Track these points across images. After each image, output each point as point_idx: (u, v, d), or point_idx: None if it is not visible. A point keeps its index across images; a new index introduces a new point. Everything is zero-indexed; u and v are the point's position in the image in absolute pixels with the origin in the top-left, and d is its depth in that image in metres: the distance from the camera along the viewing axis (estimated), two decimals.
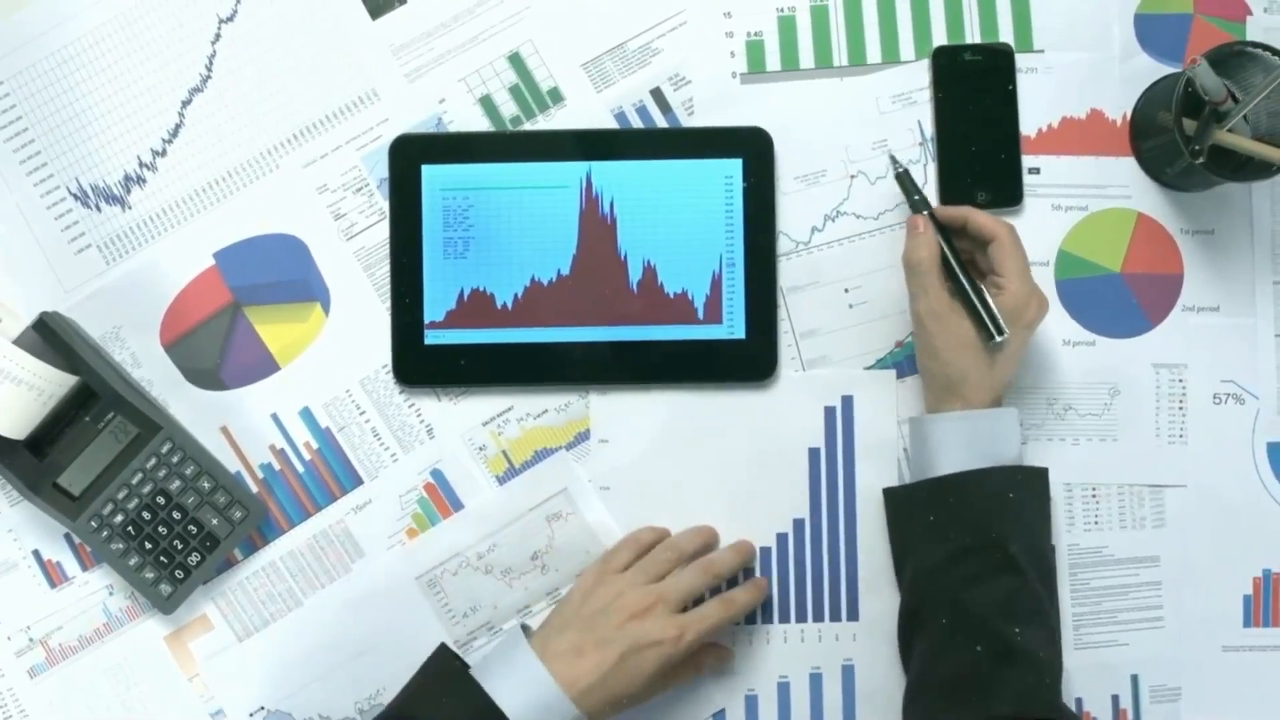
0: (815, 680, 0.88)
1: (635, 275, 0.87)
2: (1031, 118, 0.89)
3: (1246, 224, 0.89)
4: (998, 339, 0.80)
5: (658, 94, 0.88)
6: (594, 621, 0.80)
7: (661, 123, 0.88)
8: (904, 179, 0.85)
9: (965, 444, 0.81)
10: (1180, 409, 0.89)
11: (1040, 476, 0.83)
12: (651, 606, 0.80)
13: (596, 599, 0.82)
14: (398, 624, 0.88)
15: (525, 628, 0.84)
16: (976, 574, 0.79)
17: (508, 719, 0.76)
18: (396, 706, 0.80)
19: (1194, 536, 0.88)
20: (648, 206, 0.87)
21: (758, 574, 0.88)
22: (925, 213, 0.84)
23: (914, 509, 0.84)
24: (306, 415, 0.88)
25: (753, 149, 0.87)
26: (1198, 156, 0.81)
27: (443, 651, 0.83)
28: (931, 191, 0.88)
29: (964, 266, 0.82)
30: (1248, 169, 0.84)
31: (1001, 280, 0.82)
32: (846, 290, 0.89)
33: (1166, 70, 0.89)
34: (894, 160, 0.86)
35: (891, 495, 0.86)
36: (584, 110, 0.88)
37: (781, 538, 0.88)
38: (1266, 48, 0.81)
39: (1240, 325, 0.89)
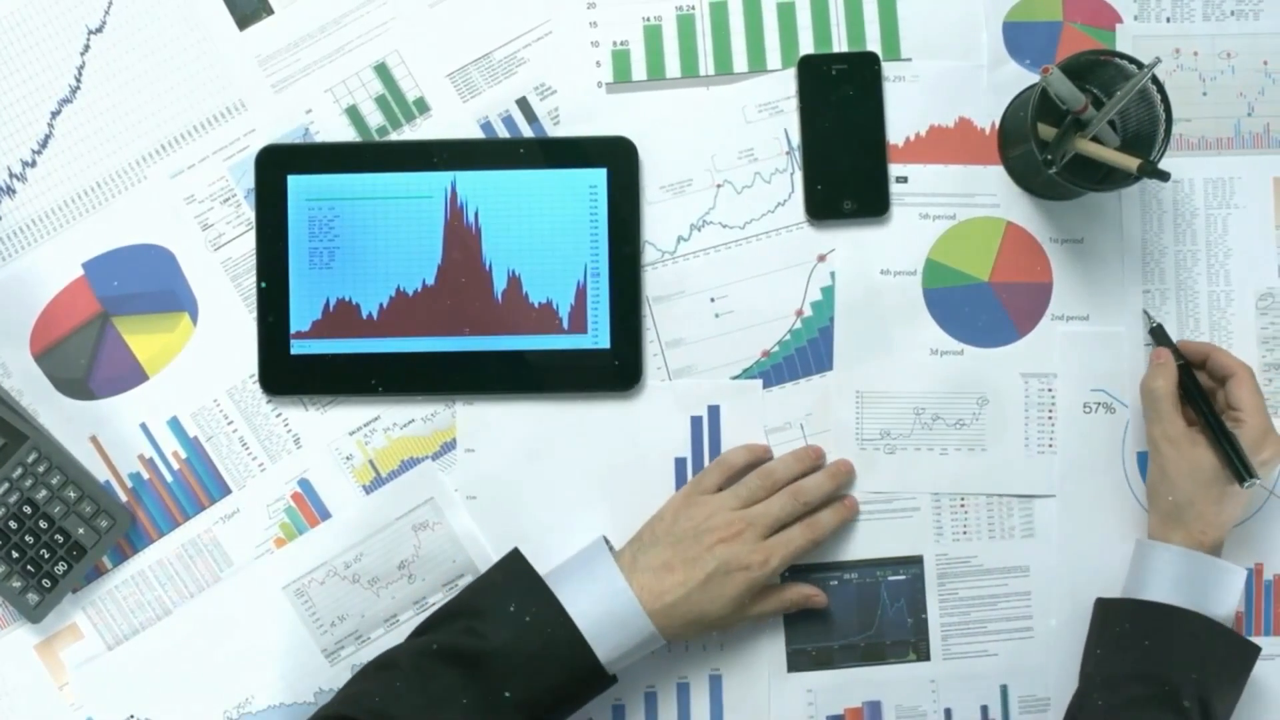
0: (683, 689, 0.88)
1: (500, 285, 0.87)
2: (899, 126, 0.88)
3: (1116, 232, 0.89)
4: (1248, 483, 0.81)
5: (524, 104, 0.88)
6: (684, 540, 0.82)
7: (528, 132, 0.88)
8: (1157, 332, 0.87)
9: (1182, 581, 0.81)
10: (1049, 418, 0.89)
11: (1245, 651, 0.82)
12: (741, 531, 0.81)
13: (687, 518, 0.83)
14: (266, 633, 0.88)
15: (606, 541, 0.84)
16: (1141, 703, 0.79)
17: (575, 624, 0.77)
18: (463, 598, 0.82)
19: (1063, 547, 0.88)
20: (512, 216, 0.87)
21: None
22: (1169, 347, 0.86)
23: (1110, 618, 0.83)
24: (175, 425, 0.88)
25: (617, 159, 0.87)
26: (1051, 165, 0.81)
27: (515, 554, 0.83)
28: (798, 201, 0.88)
29: (1214, 411, 0.83)
30: (1111, 177, 0.83)
31: (1240, 415, 0.82)
32: (713, 300, 0.88)
33: (1036, 78, 0.88)
34: (1147, 315, 0.88)
35: (1100, 604, 0.85)
36: (450, 120, 0.88)
37: None
38: (1122, 56, 0.81)
39: (1110, 334, 0.89)
